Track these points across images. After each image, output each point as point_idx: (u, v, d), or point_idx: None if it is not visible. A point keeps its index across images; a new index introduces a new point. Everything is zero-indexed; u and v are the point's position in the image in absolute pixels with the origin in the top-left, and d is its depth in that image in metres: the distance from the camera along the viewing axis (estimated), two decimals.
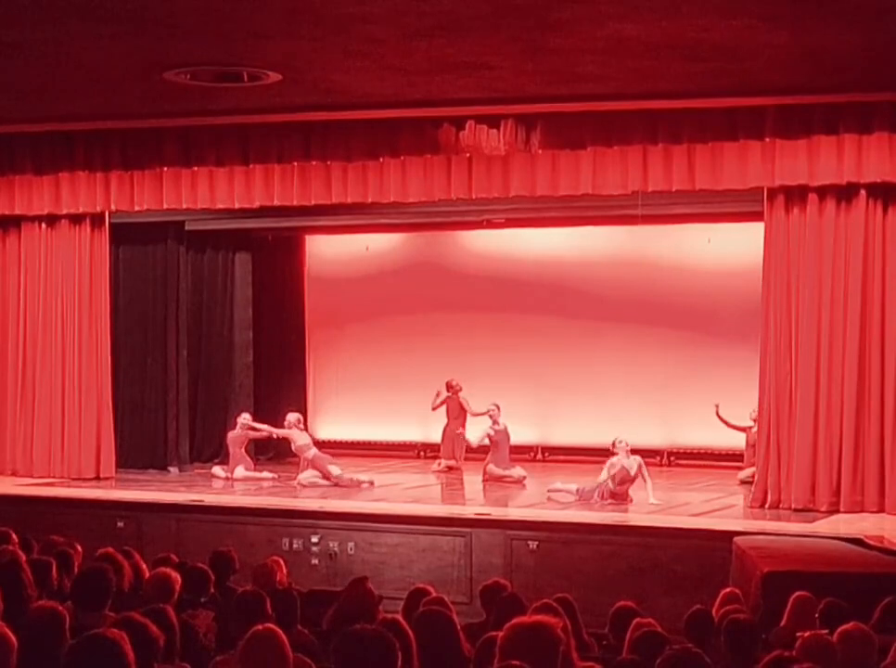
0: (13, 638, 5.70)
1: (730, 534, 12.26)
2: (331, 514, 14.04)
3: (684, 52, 11.36)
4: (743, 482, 15.87)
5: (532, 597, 8.31)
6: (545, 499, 14.90)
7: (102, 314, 17.02)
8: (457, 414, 18.00)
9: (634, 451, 14.93)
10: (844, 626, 6.77)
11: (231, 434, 17.27)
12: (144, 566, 9.88)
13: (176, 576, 8.44)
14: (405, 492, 16.10)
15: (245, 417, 17.30)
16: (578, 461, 16.11)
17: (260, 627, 5.80)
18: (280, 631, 5.77)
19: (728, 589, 9.77)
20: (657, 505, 14.28)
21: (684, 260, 18.23)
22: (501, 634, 5.37)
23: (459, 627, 6.82)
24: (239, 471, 16.90)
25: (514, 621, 5.39)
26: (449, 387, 17.99)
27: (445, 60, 11.67)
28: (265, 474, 16.99)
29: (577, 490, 14.84)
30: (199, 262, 19.11)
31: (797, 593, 8.68)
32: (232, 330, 19.32)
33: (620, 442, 14.66)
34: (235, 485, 16.55)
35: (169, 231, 18.02)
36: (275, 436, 17.17)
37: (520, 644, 5.19)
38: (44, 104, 13.99)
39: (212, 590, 9.15)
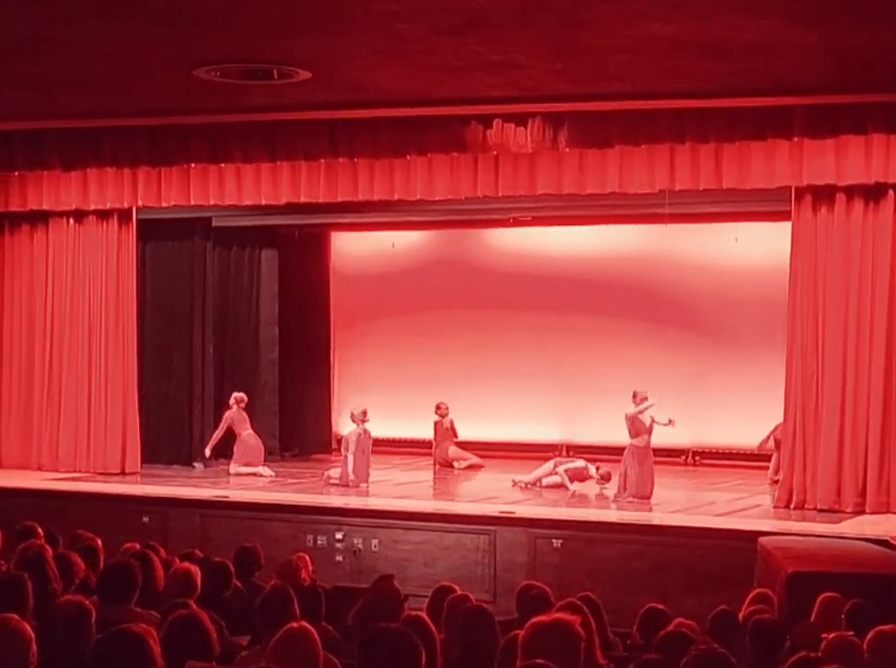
0: (31, 632, 5.73)
1: (755, 534, 12.24)
2: (356, 511, 14.08)
3: (713, 51, 11.33)
4: (774, 481, 15.88)
5: (556, 596, 8.31)
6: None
7: (129, 309, 17.09)
8: (445, 436, 18.29)
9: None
10: (879, 627, 6.73)
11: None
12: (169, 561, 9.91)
13: (197, 571, 8.46)
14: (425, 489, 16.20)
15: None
16: (602, 459, 16.07)
17: (294, 625, 5.82)
18: (313, 629, 5.78)
19: (757, 590, 9.75)
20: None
21: (710, 259, 18.21)
22: (522, 633, 5.38)
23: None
24: (234, 467, 17.12)
25: (534, 619, 5.40)
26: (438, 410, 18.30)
27: (474, 59, 11.66)
28: (264, 470, 17.03)
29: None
30: (226, 258, 19.16)
31: (825, 594, 8.66)
32: (258, 326, 19.38)
33: None
34: (230, 479, 16.74)
35: (196, 227, 18.08)
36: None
37: (542, 642, 5.20)
38: (72, 100, 14.02)
39: (238, 584, 9.18)
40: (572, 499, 15.13)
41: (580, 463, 15.95)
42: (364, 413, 15.95)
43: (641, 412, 14.77)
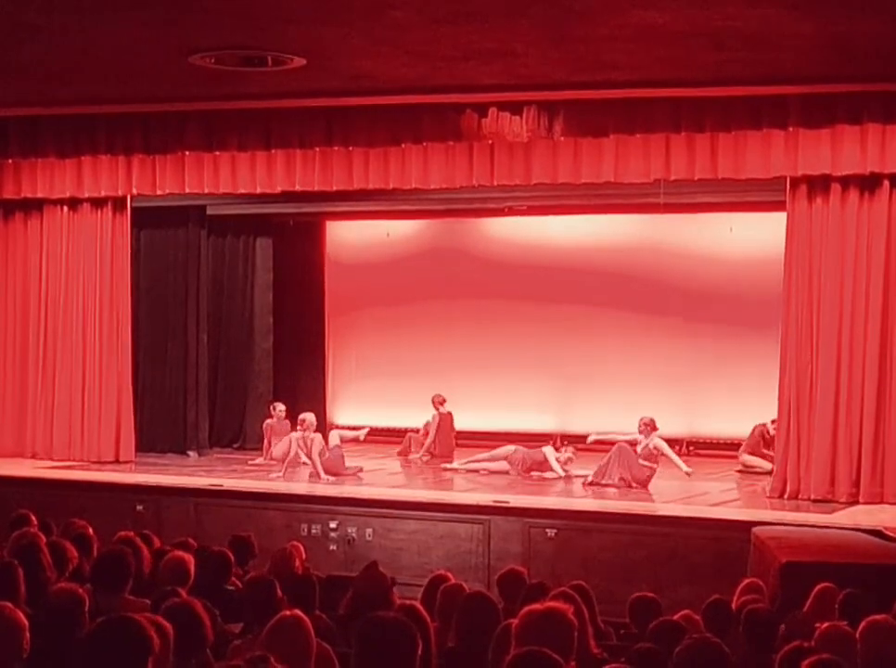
0: (24, 620, 5.72)
1: (749, 524, 12.24)
2: (350, 500, 14.06)
3: (709, 40, 11.33)
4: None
5: (550, 586, 8.32)
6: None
7: (123, 297, 17.07)
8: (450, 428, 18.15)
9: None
10: (872, 617, 6.74)
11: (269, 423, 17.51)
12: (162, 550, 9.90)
13: (191, 559, 8.46)
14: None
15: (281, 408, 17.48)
16: (597, 450, 16.07)
17: (287, 613, 5.82)
18: (306, 618, 5.78)
19: (748, 579, 9.76)
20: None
21: (705, 249, 18.19)
22: (515, 621, 5.39)
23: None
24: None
25: (527, 608, 5.42)
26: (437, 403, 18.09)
27: (470, 47, 11.65)
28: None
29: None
30: (220, 246, 19.16)
31: (821, 584, 8.66)
32: (252, 315, 19.36)
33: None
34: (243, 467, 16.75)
35: (190, 215, 18.05)
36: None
37: (535, 630, 5.21)
38: (67, 87, 14.00)
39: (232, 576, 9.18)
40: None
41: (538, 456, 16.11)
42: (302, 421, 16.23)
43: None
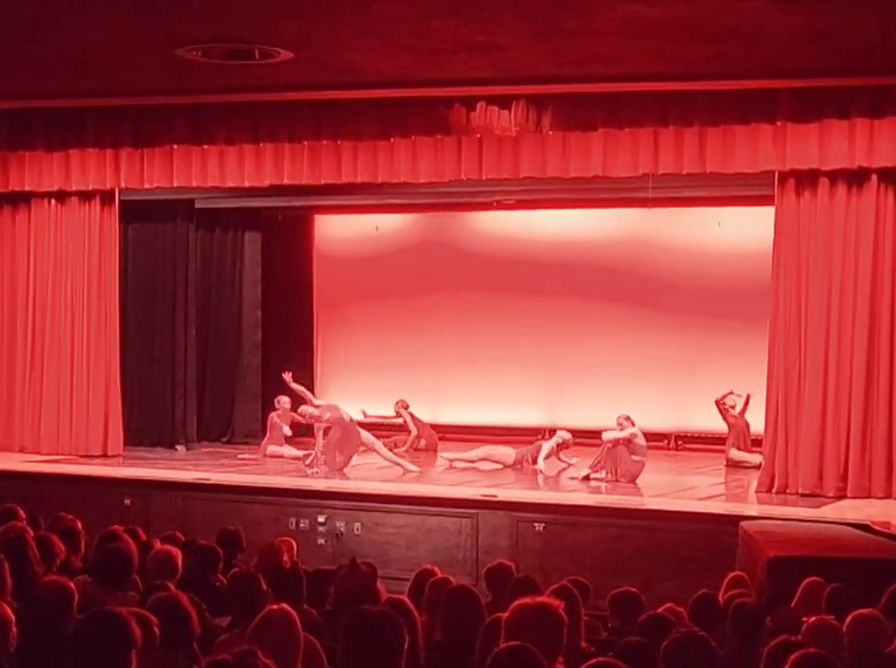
0: (10, 614, 5.71)
1: (737, 519, 12.24)
2: (338, 494, 14.05)
3: (698, 34, 11.33)
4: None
5: (538, 580, 8.32)
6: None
7: (111, 291, 17.03)
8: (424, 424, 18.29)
9: (643, 434, 15.10)
10: (858, 611, 6.76)
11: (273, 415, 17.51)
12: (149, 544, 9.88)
13: (178, 553, 8.45)
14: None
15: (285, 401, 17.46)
16: (586, 444, 16.08)
17: (275, 607, 5.82)
18: (293, 611, 5.77)
19: (734, 573, 9.77)
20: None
21: (694, 243, 18.20)
22: (506, 615, 5.38)
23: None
24: (272, 448, 17.16)
25: (518, 602, 5.41)
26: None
27: (459, 40, 11.64)
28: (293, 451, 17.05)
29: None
30: (209, 240, 19.12)
31: (808, 578, 8.67)
32: (240, 309, 19.32)
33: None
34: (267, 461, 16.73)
35: (178, 209, 18.04)
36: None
37: (525, 624, 5.21)
38: (55, 80, 13.98)
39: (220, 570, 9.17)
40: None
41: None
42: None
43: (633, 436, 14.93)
